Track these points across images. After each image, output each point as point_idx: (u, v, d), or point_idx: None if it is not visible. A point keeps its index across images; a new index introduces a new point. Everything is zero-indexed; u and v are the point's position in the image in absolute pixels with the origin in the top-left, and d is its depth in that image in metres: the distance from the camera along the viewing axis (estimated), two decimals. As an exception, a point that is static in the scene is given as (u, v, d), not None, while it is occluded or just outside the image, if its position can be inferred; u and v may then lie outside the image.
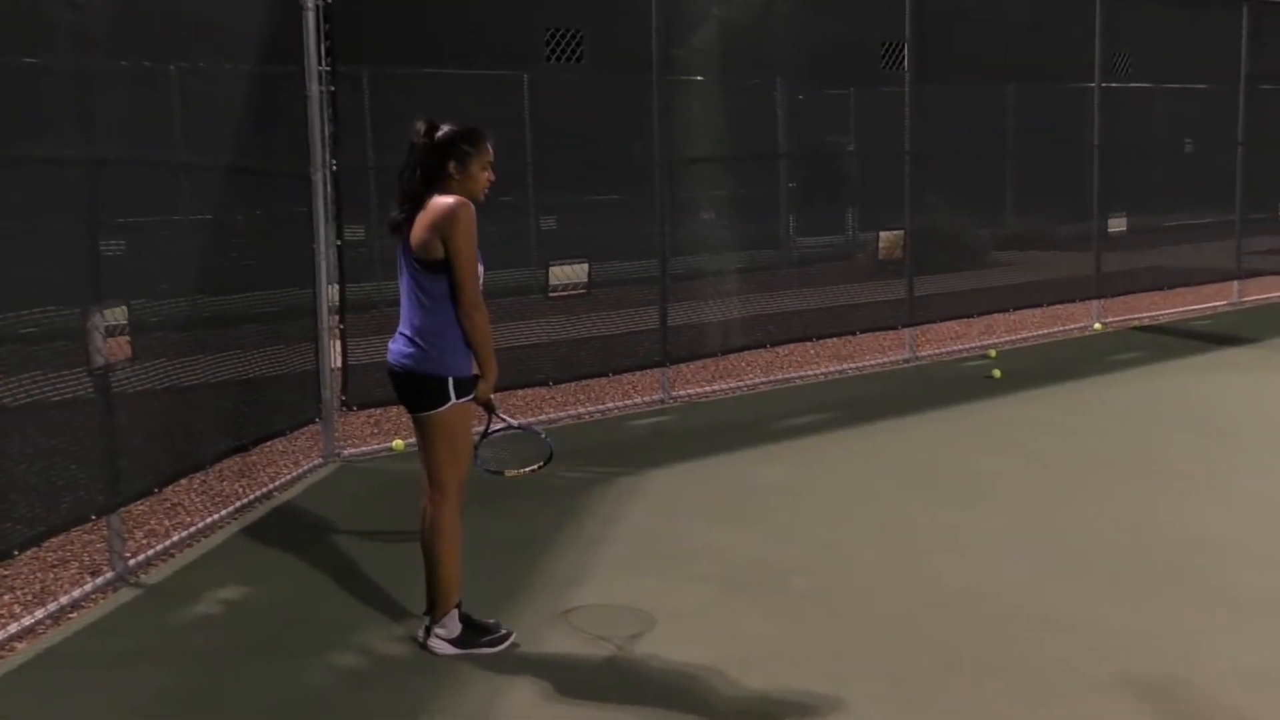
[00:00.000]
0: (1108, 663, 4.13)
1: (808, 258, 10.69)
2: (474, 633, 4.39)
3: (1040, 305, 11.63)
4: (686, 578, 5.10)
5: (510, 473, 4.54)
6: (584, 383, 8.72)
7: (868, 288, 10.20)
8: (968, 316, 11.04)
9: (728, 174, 9.51)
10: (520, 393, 8.41)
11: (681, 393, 8.83)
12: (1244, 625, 4.43)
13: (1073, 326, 11.63)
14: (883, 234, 10.30)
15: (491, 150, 4.27)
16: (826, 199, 10.59)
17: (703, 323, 9.03)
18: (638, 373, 8.89)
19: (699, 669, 4.15)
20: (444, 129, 4.20)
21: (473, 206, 4.15)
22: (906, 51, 9.83)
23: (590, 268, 8.31)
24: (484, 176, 4.26)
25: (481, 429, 4.53)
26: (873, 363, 10.01)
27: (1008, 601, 4.72)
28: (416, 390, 4.25)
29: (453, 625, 4.37)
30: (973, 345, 10.72)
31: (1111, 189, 11.74)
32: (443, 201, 4.13)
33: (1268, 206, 13.68)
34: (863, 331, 10.14)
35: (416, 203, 4.19)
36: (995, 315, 11.36)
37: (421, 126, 4.23)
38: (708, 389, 9.04)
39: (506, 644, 4.39)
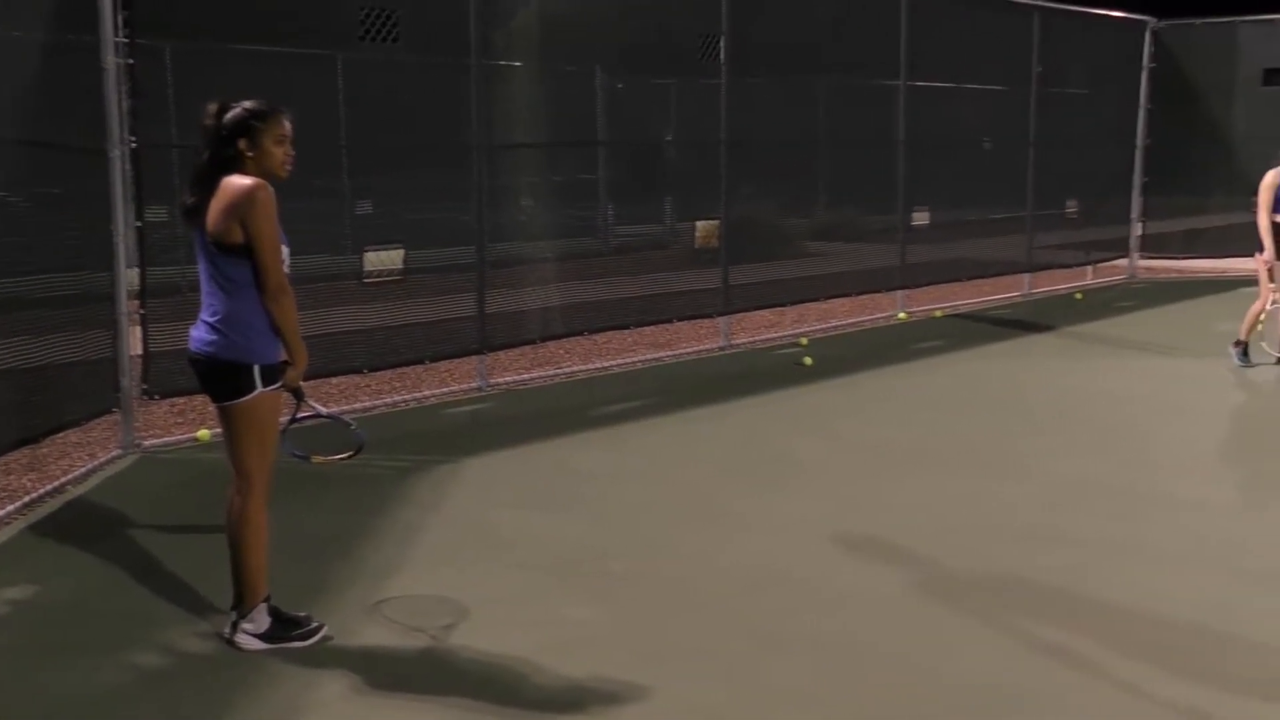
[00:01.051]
0: (911, 640, 4.31)
1: (626, 246, 10.76)
2: (283, 627, 4.27)
3: (849, 295, 12.03)
4: (503, 565, 5.08)
5: (318, 459, 4.44)
6: (400, 370, 8.59)
7: (684, 276, 10.35)
8: (781, 305, 11.34)
9: (547, 161, 9.49)
10: (334, 380, 8.21)
11: (500, 380, 8.78)
12: (1042, 604, 4.68)
13: (879, 315, 12.07)
14: (699, 223, 10.46)
15: (289, 126, 4.13)
16: (645, 188, 10.67)
17: (521, 310, 8.99)
18: (455, 360, 8.81)
19: (514, 656, 4.14)
20: (234, 108, 4.05)
21: (271, 187, 4.02)
22: (722, 44, 10.00)
23: (406, 253, 8.18)
24: (280, 152, 4.10)
25: (289, 417, 4.41)
26: (689, 350, 10.17)
27: (821, 582, 4.87)
28: (220, 378, 4.09)
29: (261, 620, 4.24)
30: (785, 333, 11.01)
31: (915, 183, 12.23)
32: (238, 183, 3.98)
33: (1056, 203, 14.49)
34: (679, 319, 10.30)
35: (208, 186, 4.02)
36: (807, 304, 11.70)
37: (212, 108, 4.07)
38: (526, 376, 9.02)
39: (318, 638, 4.29)
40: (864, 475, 6.46)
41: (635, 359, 9.74)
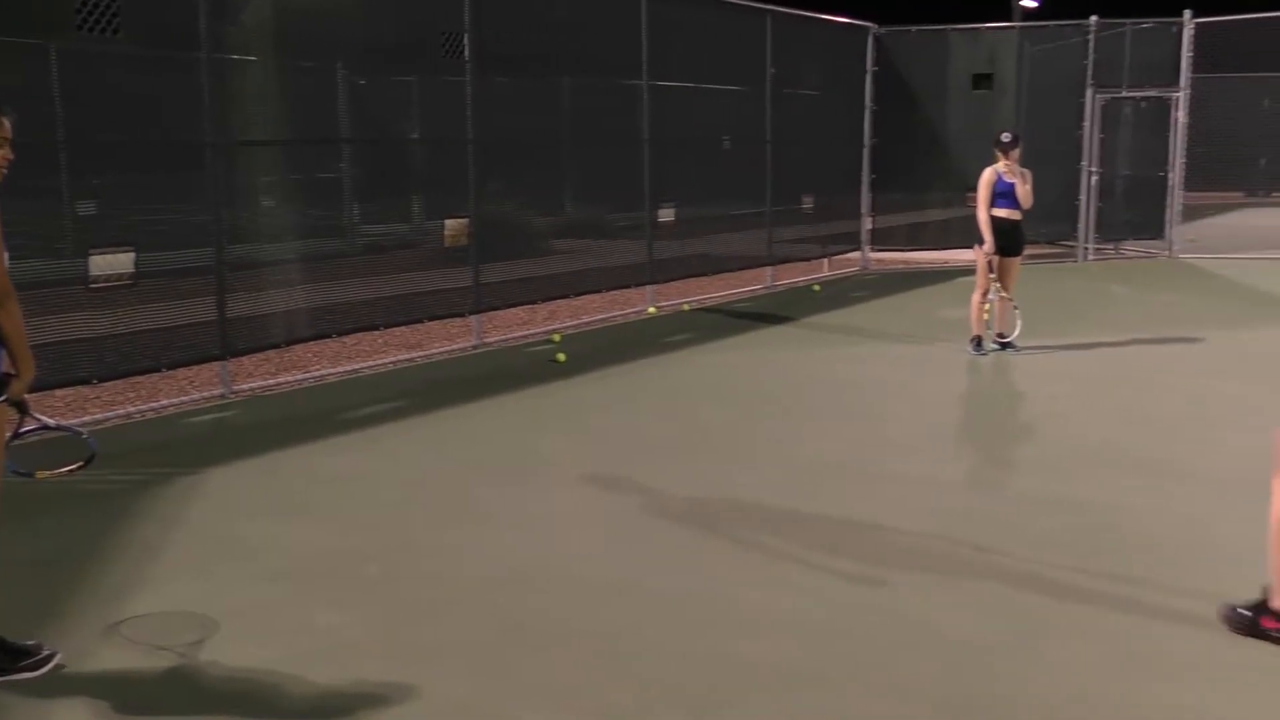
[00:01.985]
0: (672, 627, 4.44)
1: (374, 246, 10.55)
2: (9, 657, 3.98)
3: (600, 291, 12.22)
4: (252, 576, 4.91)
5: (42, 474, 4.16)
6: (134, 380, 8.16)
7: (434, 275, 10.25)
8: (532, 303, 11.40)
9: (288, 159, 9.20)
10: (59, 392, 7.71)
11: (244, 386, 8.46)
12: (792, 580, 4.91)
13: (630, 310, 12.31)
14: (448, 222, 10.38)
15: (8, 125, 3.87)
16: (392, 187, 10.50)
17: (265, 313, 8.69)
18: (195, 367, 8.42)
19: (268, 668, 4.02)
20: None
21: None
22: (466, 41, 9.96)
23: (137, 256, 7.76)
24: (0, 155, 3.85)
25: (12, 432, 4.12)
26: (441, 350, 10.08)
27: (577, 573, 4.95)
28: None
29: None
30: (538, 330, 11.08)
31: (661, 181, 12.54)
32: None
33: (793, 199, 15.17)
34: (430, 319, 10.20)
35: None
36: (559, 301, 11.82)
37: None
38: (272, 382, 8.72)
39: (49, 666, 4.02)
40: (616, 467, 6.58)
41: (386, 360, 9.58)
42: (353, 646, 4.23)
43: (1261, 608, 4.15)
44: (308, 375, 8.98)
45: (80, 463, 4.21)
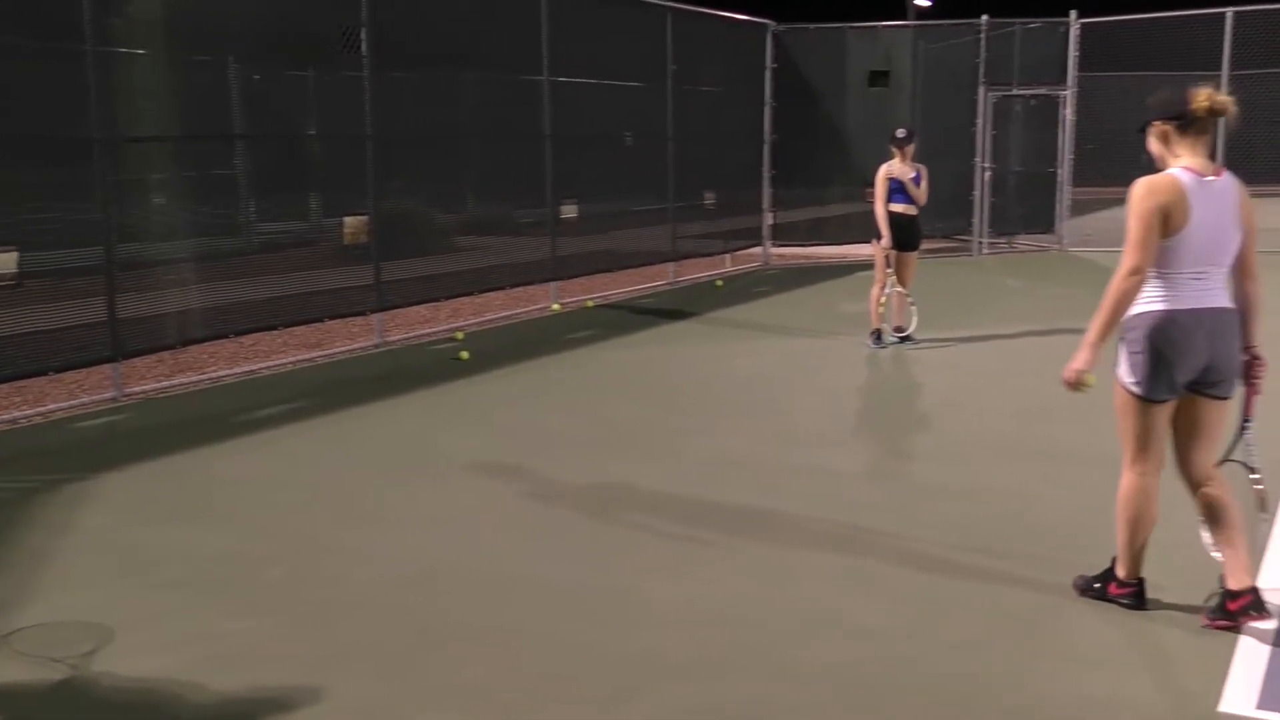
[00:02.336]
0: (569, 620, 4.43)
1: (271, 243, 10.33)
2: None
3: (503, 288, 12.14)
4: (149, 584, 4.78)
5: None
6: (19, 384, 7.88)
7: (334, 274, 10.09)
8: (435, 300, 11.30)
9: (180, 155, 8.96)
10: (-60, 398, 7.43)
11: (137, 389, 8.24)
12: (701, 572, 4.93)
13: (534, 308, 12.27)
14: (347, 219, 10.23)
15: None
16: (289, 183, 10.30)
17: (158, 314, 8.46)
18: (85, 370, 8.17)
19: (166, 677, 3.91)
20: None
21: None
22: (364, 35, 9.81)
23: (20, 256, 7.50)
24: None
25: None
26: (342, 349, 9.93)
27: (482, 571, 4.91)
28: None
29: None
30: (441, 328, 10.98)
31: (563, 177, 12.51)
32: None
33: (696, 195, 15.26)
34: (331, 318, 10.04)
35: None
36: (462, 299, 11.73)
37: None
38: (166, 384, 8.50)
39: None
40: (520, 464, 6.55)
41: (286, 361, 9.41)
42: (255, 652, 4.14)
43: (1109, 574, 4.45)
44: (204, 376, 8.77)
45: None
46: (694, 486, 6.07)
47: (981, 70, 16.87)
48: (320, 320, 9.98)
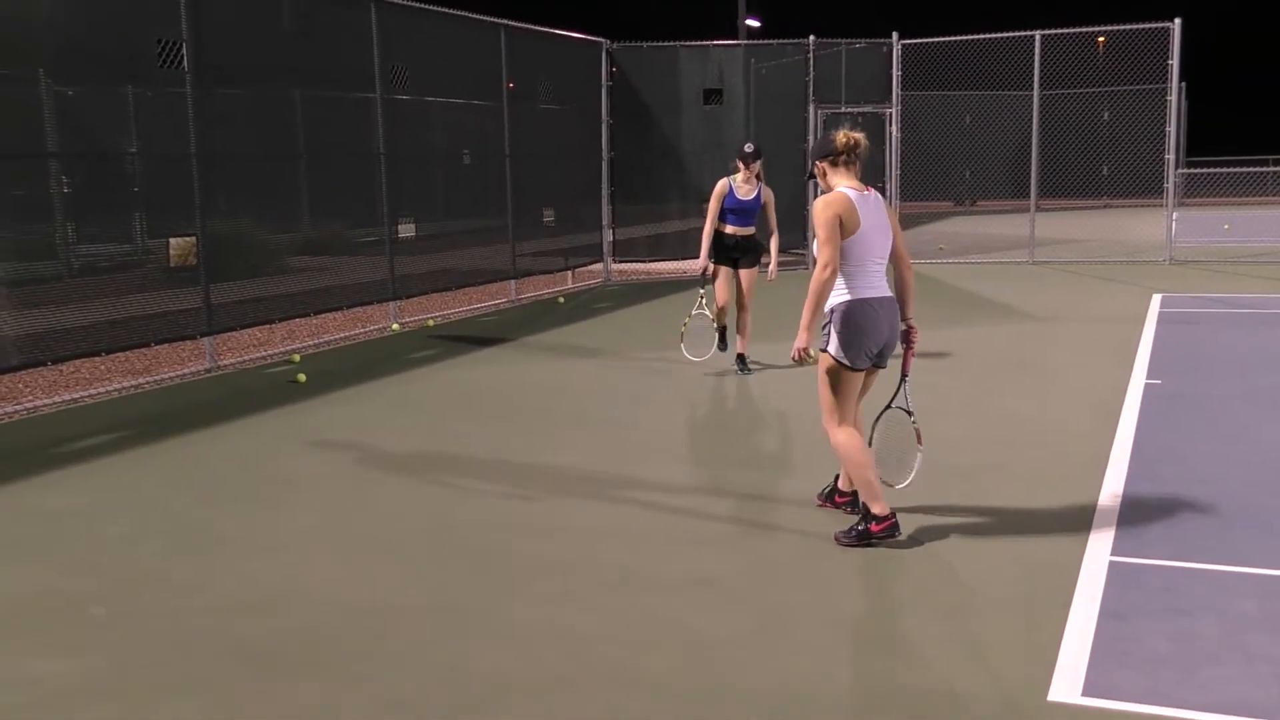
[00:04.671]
0: (414, 643, 4.35)
1: (91, 266, 9.88)
2: None
3: (341, 309, 11.90)
4: (-42, 627, 4.51)
5: None
6: None
7: (161, 297, 9.71)
8: (269, 322, 10.99)
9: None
10: None
11: (-56, 422, 7.78)
12: (550, 592, 4.90)
13: (373, 328, 12.06)
14: (173, 240, 9.87)
15: None
16: (110, 204, 9.86)
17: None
18: (-115, 404, 7.68)
19: (-22, 725, 3.69)
20: None
21: None
22: (185, 51, 9.50)
23: None
24: None
25: None
26: (171, 375, 9.57)
27: (320, 596, 4.78)
28: None
29: None
30: (276, 351, 10.70)
31: (400, 196, 12.34)
32: None
33: (535, 212, 15.24)
34: (158, 343, 9.66)
35: None
36: (298, 320, 11.44)
37: None
38: (-22, 416, 8.05)
39: None
40: (358, 488, 6.42)
41: (111, 388, 9.01)
42: (75, 695, 3.94)
43: (866, 518, 5.16)
44: (19, 407, 8.33)
45: None
46: (534, 505, 6.04)
47: (810, 88, 17.35)
48: (147, 345, 9.58)
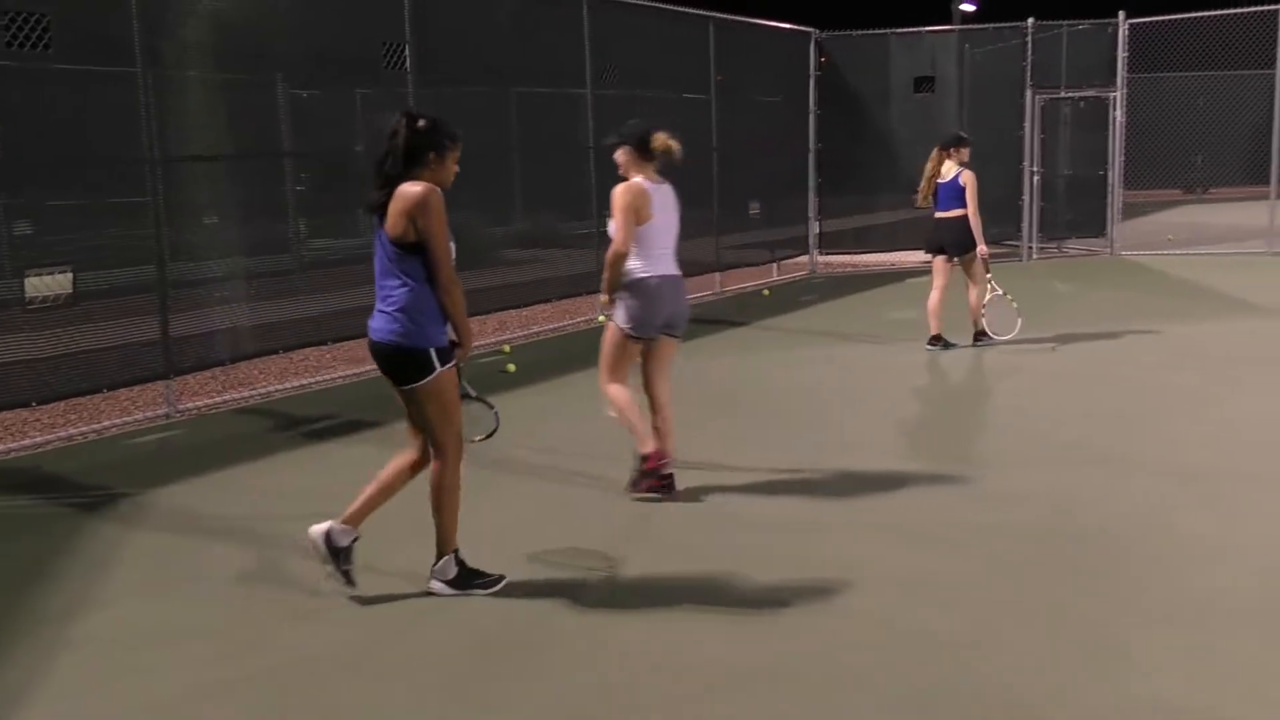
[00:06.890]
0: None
1: (321, 261, 10.37)
2: (467, 577, 4.65)
3: (550, 300, 12.14)
4: (205, 597, 4.81)
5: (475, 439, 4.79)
6: (75, 401, 7.99)
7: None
8: (482, 314, 11.31)
9: (230, 174, 9.04)
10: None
11: (189, 405, 8.32)
12: (796, 581, 4.88)
13: (581, 319, 12.26)
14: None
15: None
16: (339, 200, 10.35)
17: (209, 331, 8.55)
18: (138, 387, 8.27)
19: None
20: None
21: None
22: (408, 53, 9.87)
23: (76, 276, 7.60)
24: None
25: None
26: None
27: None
28: (403, 364, 4.53)
29: (449, 568, 4.63)
30: (488, 342, 11.00)
31: (608, 190, 12.45)
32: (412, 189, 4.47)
33: (741, 204, 15.20)
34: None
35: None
36: (509, 312, 11.73)
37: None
38: (218, 400, 8.58)
39: (499, 586, 4.65)
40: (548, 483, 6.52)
41: (335, 375, 9.46)
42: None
43: (640, 458, 5.81)
44: (254, 392, 8.83)
45: (487, 434, 4.83)
46: (755, 497, 6.02)
47: (1028, 73, 16.69)
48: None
